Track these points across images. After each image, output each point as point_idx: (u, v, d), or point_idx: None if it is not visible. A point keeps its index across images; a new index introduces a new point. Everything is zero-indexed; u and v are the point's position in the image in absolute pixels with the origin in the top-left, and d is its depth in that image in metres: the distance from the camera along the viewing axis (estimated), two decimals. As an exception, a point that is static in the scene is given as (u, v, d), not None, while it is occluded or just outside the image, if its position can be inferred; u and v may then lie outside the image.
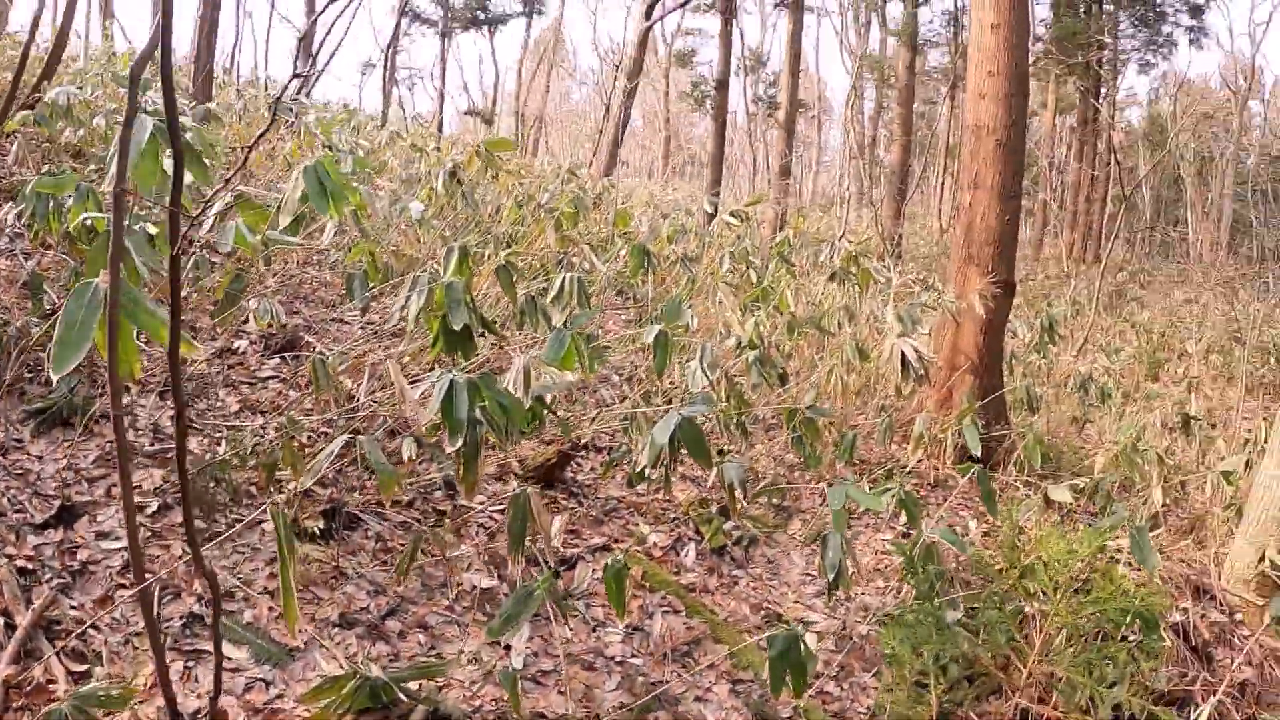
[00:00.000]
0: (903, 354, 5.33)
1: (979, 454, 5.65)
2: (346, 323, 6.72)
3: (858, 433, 6.11)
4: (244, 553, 3.97)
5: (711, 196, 8.79)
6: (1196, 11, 27.71)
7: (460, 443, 2.92)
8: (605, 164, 16.58)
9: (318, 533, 4.13)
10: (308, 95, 19.39)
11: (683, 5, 21.93)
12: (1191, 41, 28.83)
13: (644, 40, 17.45)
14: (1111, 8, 26.30)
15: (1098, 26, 25.85)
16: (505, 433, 3.13)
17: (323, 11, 17.11)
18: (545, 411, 3.73)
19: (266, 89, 19.13)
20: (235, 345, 5.98)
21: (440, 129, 25.20)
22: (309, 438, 4.53)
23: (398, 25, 19.75)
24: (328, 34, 14.46)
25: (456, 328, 3.68)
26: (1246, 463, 6.88)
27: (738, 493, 3.33)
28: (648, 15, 17.26)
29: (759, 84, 28.02)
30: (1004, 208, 7.23)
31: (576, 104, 54.96)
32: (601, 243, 8.09)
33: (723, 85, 20.63)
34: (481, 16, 29.57)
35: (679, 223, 9.40)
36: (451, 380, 2.99)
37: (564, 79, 51.85)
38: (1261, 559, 5.39)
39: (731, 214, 7.28)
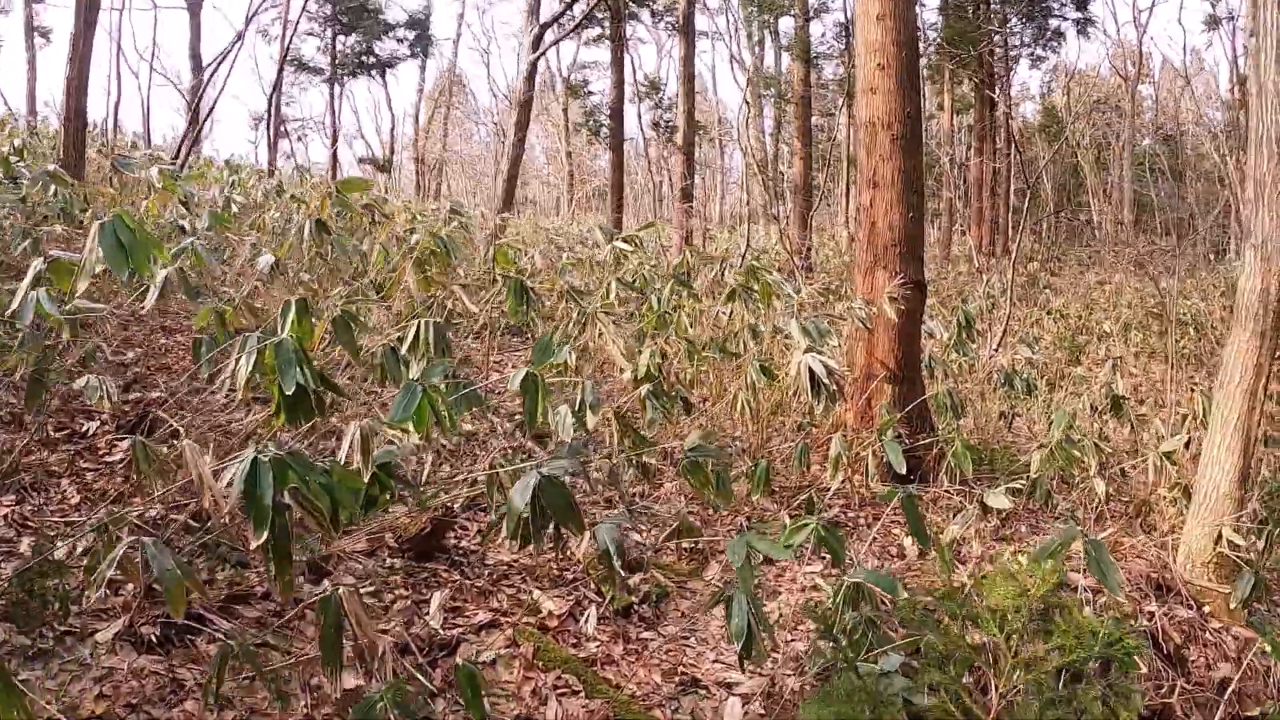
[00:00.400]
0: (811, 371, 4.85)
1: (903, 470, 5.18)
2: (216, 392, 6.07)
3: (771, 459, 5.64)
4: (72, 670, 3.35)
5: (605, 226, 8.24)
6: (1082, 3, 27.98)
7: (265, 535, 2.34)
8: (501, 200, 16.03)
9: (155, 641, 3.53)
10: (194, 152, 18.64)
11: (571, 34, 21.53)
12: (1079, 32, 29.00)
13: (532, 72, 16.98)
14: (998, 5, 26.44)
15: (986, 23, 25.95)
16: (331, 519, 2.56)
17: (211, 68, 16.39)
18: (397, 483, 3.15)
19: (147, 148, 18.36)
20: (84, 427, 5.33)
21: (334, 179, 24.51)
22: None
23: (279, 74, 19.02)
24: (210, 88, 13.69)
25: (288, 391, 3.11)
26: (1186, 442, 6.58)
27: (615, 561, 2.78)
28: (534, 46, 16.79)
29: (656, 109, 27.71)
30: (907, 204, 6.83)
31: (477, 146, 54.37)
32: (485, 283, 7.55)
33: (617, 113, 20.29)
34: (369, 61, 28.82)
35: (574, 257, 8.91)
36: (254, 459, 2.42)
37: (463, 121, 51.23)
38: (1218, 540, 5.19)
39: (624, 240, 6.78)
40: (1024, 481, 6.36)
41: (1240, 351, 5.24)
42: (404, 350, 3.84)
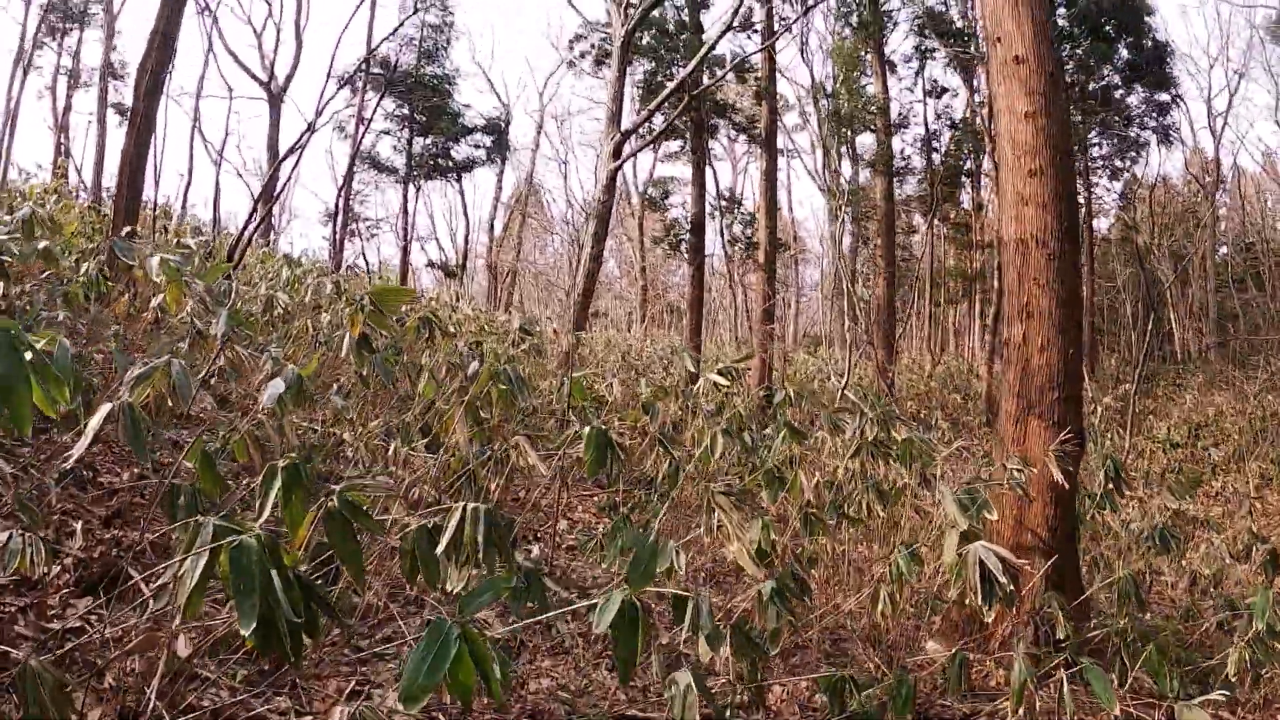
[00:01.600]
0: (981, 564, 3.66)
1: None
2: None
3: (914, 673, 4.42)
4: None
5: (686, 349, 7.13)
6: (1163, 110, 27.05)
7: None
8: (575, 317, 15.12)
9: None
10: (263, 244, 18.05)
11: (651, 143, 20.88)
12: (1161, 140, 28.10)
13: (611, 182, 16.21)
14: (1079, 118, 25.45)
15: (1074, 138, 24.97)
16: None
17: (284, 158, 15.92)
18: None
19: (214, 232, 17.82)
20: (42, 574, 4.19)
21: (404, 282, 23.90)
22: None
23: (349, 170, 18.55)
24: (279, 180, 13.11)
25: (244, 631, 2.03)
26: None
27: None
28: (615, 155, 16.07)
29: (735, 224, 26.92)
30: (1066, 339, 5.67)
31: (551, 257, 54.25)
32: (557, 417, 6.50)
33: (698, 227, 19.45)
34: (444, 164, 28.47)
35: (655, 383, 7.83)
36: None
37: (539, 231, 51.10)
38: None
39: (720, 372, 5.70)
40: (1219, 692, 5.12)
41: None
42: (441, 548, 2.73)
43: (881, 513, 5.23)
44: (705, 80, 18.27)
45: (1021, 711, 3.66)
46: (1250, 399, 22.88)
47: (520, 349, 7.38)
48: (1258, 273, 38.73)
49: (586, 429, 4.05)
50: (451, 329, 8.54)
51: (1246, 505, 12.65)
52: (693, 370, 6.36)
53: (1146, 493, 12.06)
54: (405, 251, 25.04)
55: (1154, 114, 27.10)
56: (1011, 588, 3.70)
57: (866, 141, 27.02)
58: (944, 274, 34.34)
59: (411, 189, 27.77)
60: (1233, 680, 4.84)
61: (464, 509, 2.75)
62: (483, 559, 2.65)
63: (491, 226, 38.23)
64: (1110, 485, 6.88)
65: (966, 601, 3.73)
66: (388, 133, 27.35)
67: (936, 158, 27.72)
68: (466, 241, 32.53)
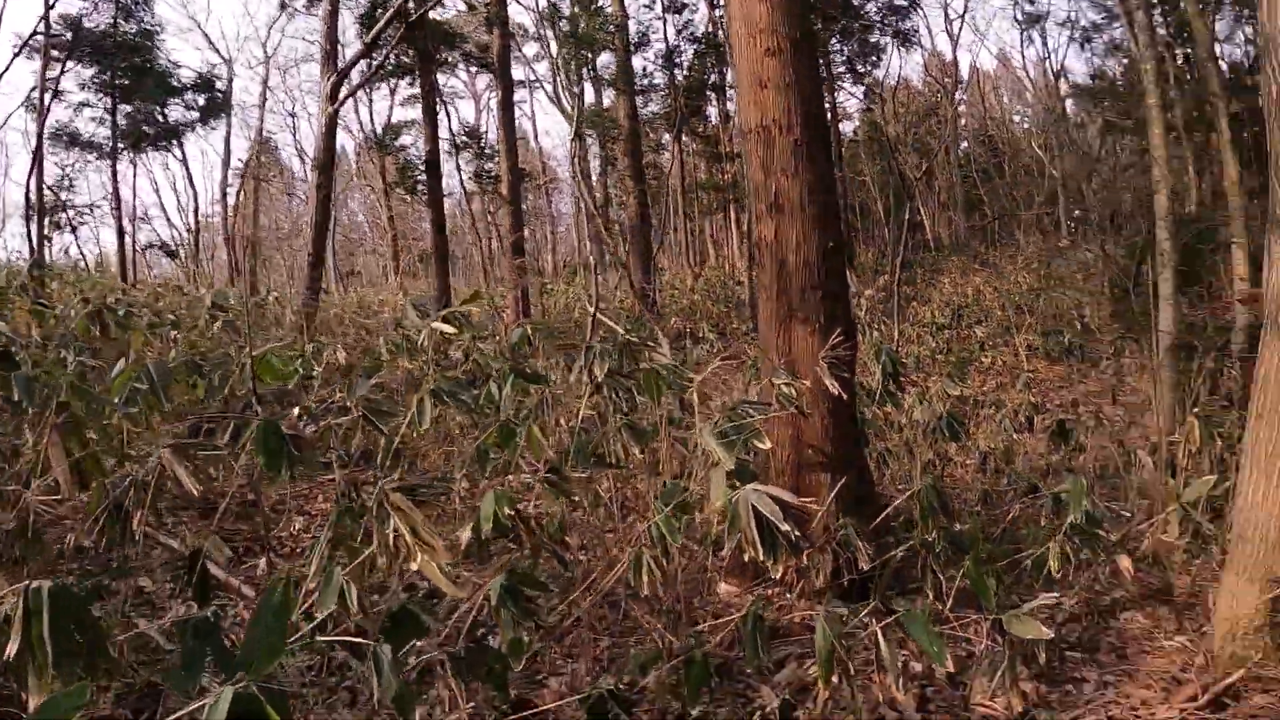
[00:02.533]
0: (756, 514, 3.00)
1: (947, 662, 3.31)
2: None
3: (708, 631, 3.80)
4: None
5: (420, 301, 6.19)
6: (901, 14, 27.62)
7: None
8: (309, 280, 13.82)
9: None
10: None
11: (372, 80, 19.42)
12: (900, 44, 28.82)
13: (331, 128, 14.83)
14: (819, 25, 25.47)
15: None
16: None
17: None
18: None
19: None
20: None
21: (124, 270, 21.66)
22: None
23: (38, 149, 16.37)
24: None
25: None
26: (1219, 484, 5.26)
27: None
28: (332, 98, 14.69)
29: (478, 160, 25.59)
30: (822, 231, 5.09)
31: (299, 221, 51.11)
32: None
33: (433, 166, 18.19)
34: (152, 131, 25.68)
35: (392, 343, 6.89)
36: None
37: (280, 195, 47.90)
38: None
39: (446, 319, 4.86)
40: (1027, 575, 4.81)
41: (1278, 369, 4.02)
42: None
43: (639, 453, 4.52)
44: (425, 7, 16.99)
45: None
46: (1007, 277, 23.82)
47: (218, 326, 6.29)
48: (999, 163, 40.87)
49: (260, 421, 3.14)
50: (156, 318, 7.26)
51: (1022, 377, 12.83)
52: (419, 321, 5.47)
53: (920, 377, 12.03)
54: (121, 235, 22.50)
55: (892, 19, 27.55)
56: (796, 533, 3.05)
57: (607, 62, 26.19)
58: (697, 188, 34.25)
59: (125, 164, 25.12)
60: (1055, 576, 4.53)
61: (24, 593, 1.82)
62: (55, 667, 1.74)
63: (224, 196, 35.37)
64: (888, 380, 6.47)
65: (746, 557, 3.05)
66: (87, 104, 24.27)
67: (679, 74, 27.21)
68: (196, 215, 29.97)
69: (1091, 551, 4.56)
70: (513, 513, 3.51)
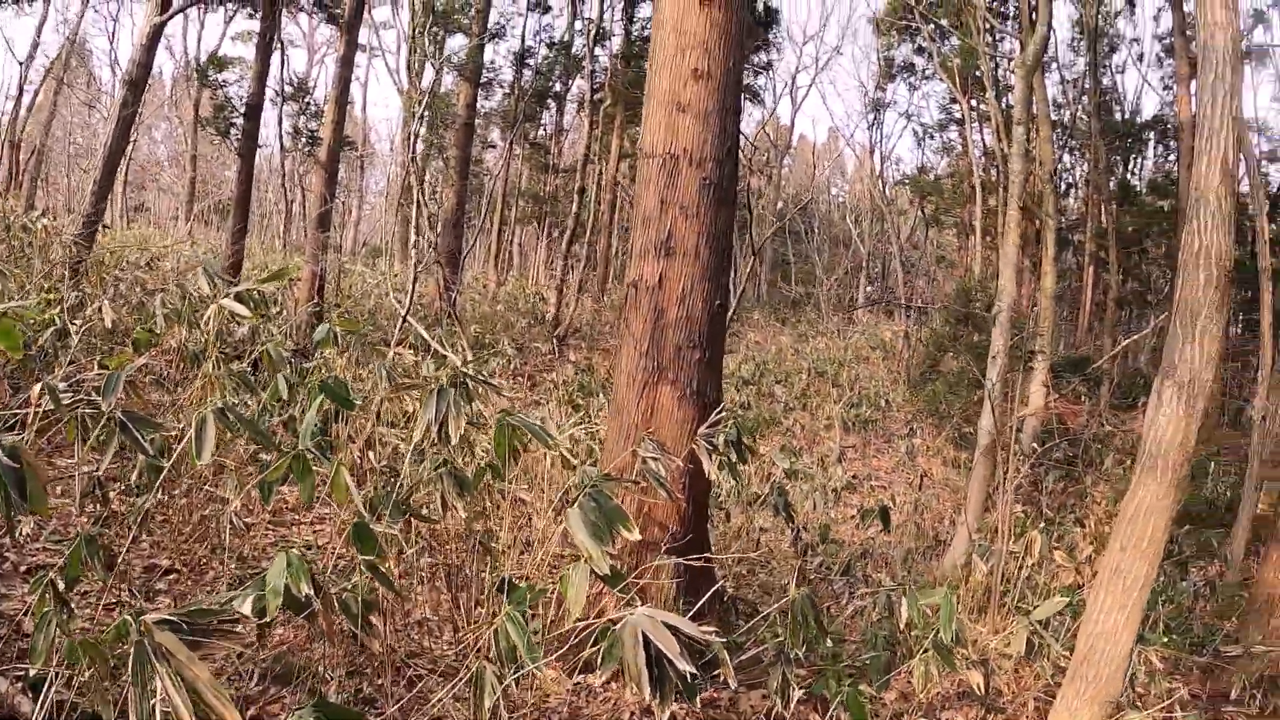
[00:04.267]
0: (649, 648, 2.37)
1: None
2: None
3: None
4: None
5: (213, 265, 5.18)
6: (757, 71, 27.91)
7: None
8: (91, 205, 12.22)
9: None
10: None
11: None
12: (749, 99, 29.11)
13: (153, 41, 13.13)
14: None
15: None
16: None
17: None
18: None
19: None
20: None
21: None
22: None
23: None
24: None
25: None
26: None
27: None
28: (163, 7, 13.04)
29: (301, 115, 23.87)
30: (713, 287, 4.52)
31: (101, 135, 46.62)
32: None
33: (254, 111, 16.62)
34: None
35: (167, 307, 5.89)
36: None
37: (84, 104, 43.55)
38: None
39: (239, 298, 4.02)
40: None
41: (1151, 508, 4.14)
42: None
43: (462, 510, 3.79)
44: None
45: None
46: (809, 341, 24.17)
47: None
48: (811, 227, 41.94)
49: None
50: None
51: (835, 450, 12.79)
52: (210, 290, 4.57)
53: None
54: None
55: (750, 72, 27.74)
56: (693, 672, 2.43)
57: (456, 45, 25.04)
58: (518, 194, 33.42)
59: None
60: (918, 694, 4.37)
61: None
62: None
63: (20, 92, 31.70)
64: (730, 449, 5.92)
65: (629, 691, 2.41)
66: None
67: (528, 74, 26.40)
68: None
69: (950, 669, 4.19)
70: (309, 590, 2.74)
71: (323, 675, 3.64)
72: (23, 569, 4.10)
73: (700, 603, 4.16)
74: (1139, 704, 5.25)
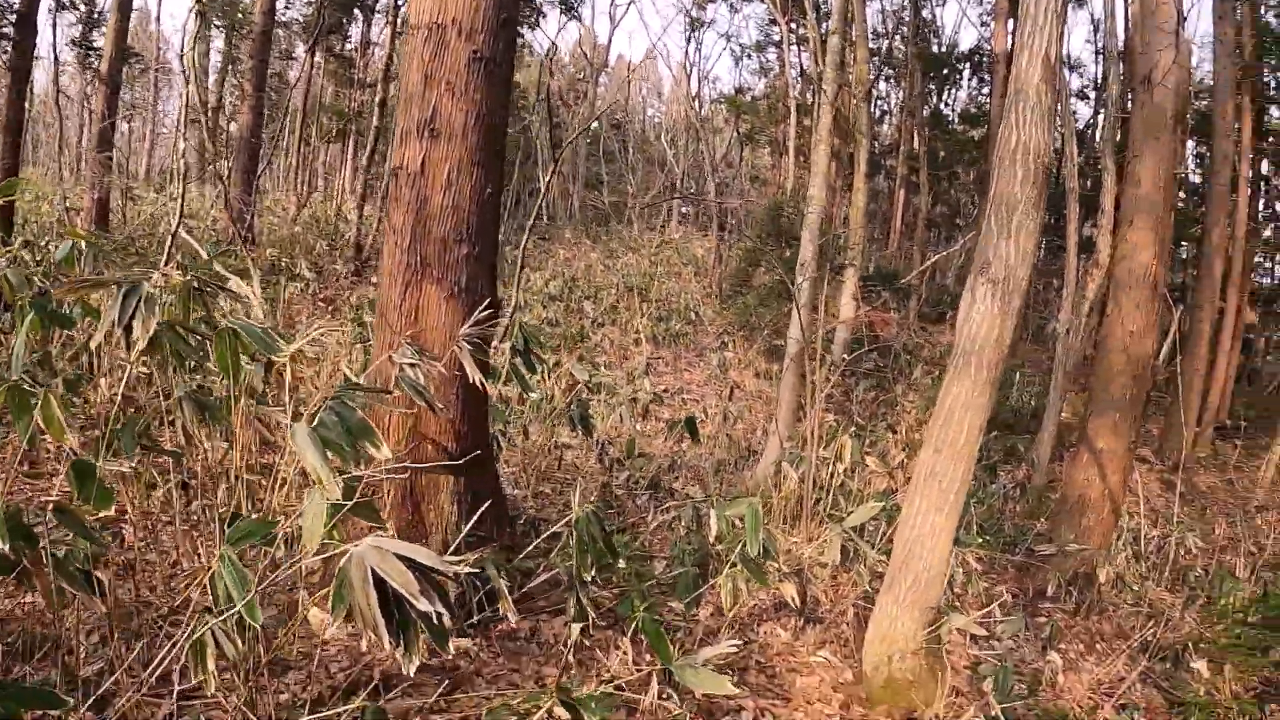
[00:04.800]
0: (381, 586, 1.92)
1: None
2: None
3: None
4: None
5: None
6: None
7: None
8: None
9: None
10: None
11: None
12: (564, 10, 28.47)
13: None
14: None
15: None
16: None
17: None
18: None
19: None
20: None
21: None
22: None
23: None
24: None
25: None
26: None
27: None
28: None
29: (81, 26, 21.76)
30: (484, 173, 4.02)
31: None
32: None
33: (25, 20, 14.87)
34: None
35: None
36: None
37: None
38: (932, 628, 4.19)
39: None
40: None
41: (967, 404, 4.07)
42: None
43: (206, 441, 3.24)
44: None
45: None
46: (619, 257, 23.84)
47: None
48: (626, 147, 42.10)
49: None
50: None
51: (642, 362, 12.52)
52: None
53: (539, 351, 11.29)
54: None
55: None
56: (440, 611, 1.99)
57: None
58: (320, 110, 31.62)
59: None
60: (727, 611, 4.14)
61: None
62: None
63: None
64: (518, 356, 5.46)
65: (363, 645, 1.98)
66: None
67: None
68: None
69: (760, 583, 3.93)
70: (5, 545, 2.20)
71: (73, 642, 3.13)
72: None
73: (482, 526, 3.75)
74: (958, 605, 5.21)
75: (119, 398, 3.73)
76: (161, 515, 4.07)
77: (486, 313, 3.80)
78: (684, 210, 37.54)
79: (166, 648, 2.53)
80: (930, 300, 22.52)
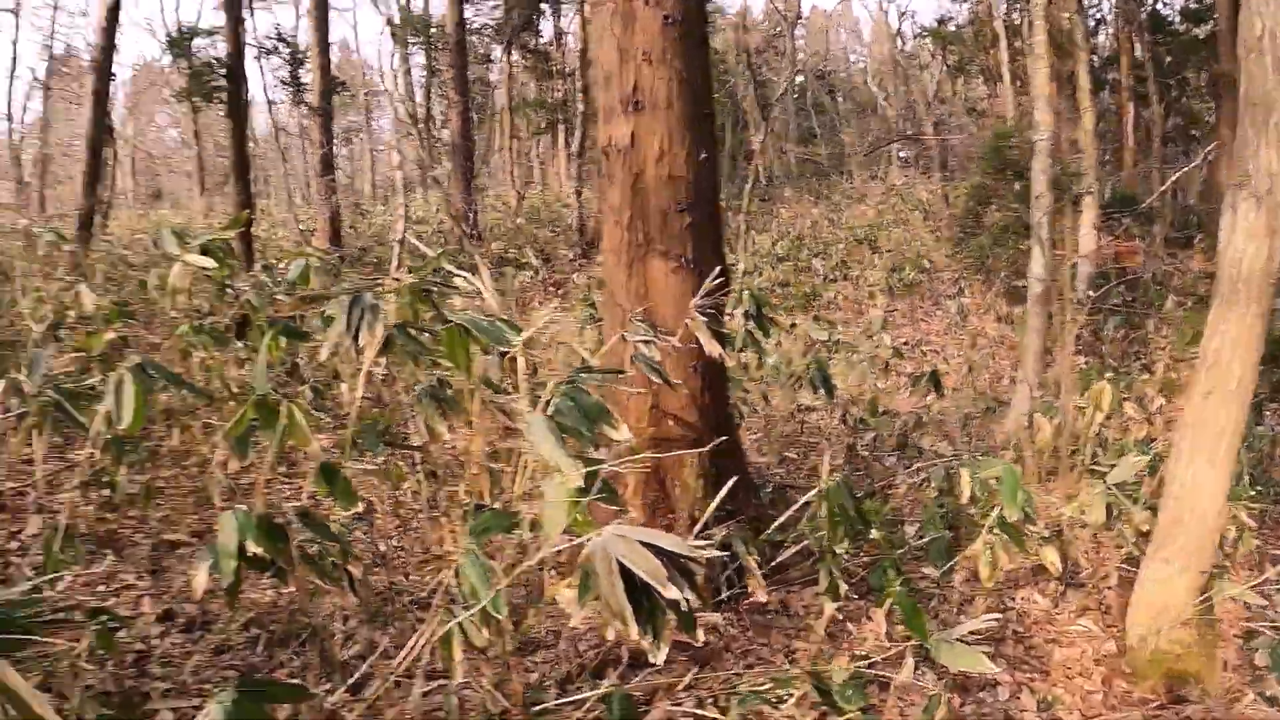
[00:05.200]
0: (629, 578, 1.85)
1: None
2: None
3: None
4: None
5: (183, 226, 4.70)
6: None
7: None
8: (83, 204, 11.71)
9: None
10: None
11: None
12: None
13: (113, 18, 12.66)
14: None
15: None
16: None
17: None
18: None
19: None
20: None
21: None
22: None
23: None
24: None
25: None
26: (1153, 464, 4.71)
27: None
28: (120, -14, 12.52)
29: (289, 67, 23.07)
30: (695, 138, 3.91)
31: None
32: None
33: (234, 70, 15.97)
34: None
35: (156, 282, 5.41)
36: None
37: (73, 102, 42.86)
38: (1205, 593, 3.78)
39: (205, 250, 3.54)
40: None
41: (1237, 341, 3.58)
42: None
43: (448, 433, 3.29)
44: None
45: None
46: (844, 211, 23.29)
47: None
48: (833, 98, 41.01)
49: None
50: None
51: (879, 317, 12.15)
52: (175, 253, 4.05)
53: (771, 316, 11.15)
54: None
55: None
56: (689, 597, 1.89)
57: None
58: (525, 106, 32.38)
59: None
60: (985, 582, 3.77)
61: None
62: None
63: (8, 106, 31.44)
64: (751, 321, 5.23)
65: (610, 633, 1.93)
66: None
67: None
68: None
69: (1020, 550, 3.67)
70: (260, 547, 2.28)
71: (330, 630, 3.30)
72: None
73: (729, 499, 3.66)
74: (1228, 566, 4.71)
75: (360, 399, 3.86)
76: (413, 504, 4.22)
77: (717, 281, 3.68)
78: (903, 155, 36.31)
79: (415, 636, 2.57)
80: (1175, 224, 20.78)
